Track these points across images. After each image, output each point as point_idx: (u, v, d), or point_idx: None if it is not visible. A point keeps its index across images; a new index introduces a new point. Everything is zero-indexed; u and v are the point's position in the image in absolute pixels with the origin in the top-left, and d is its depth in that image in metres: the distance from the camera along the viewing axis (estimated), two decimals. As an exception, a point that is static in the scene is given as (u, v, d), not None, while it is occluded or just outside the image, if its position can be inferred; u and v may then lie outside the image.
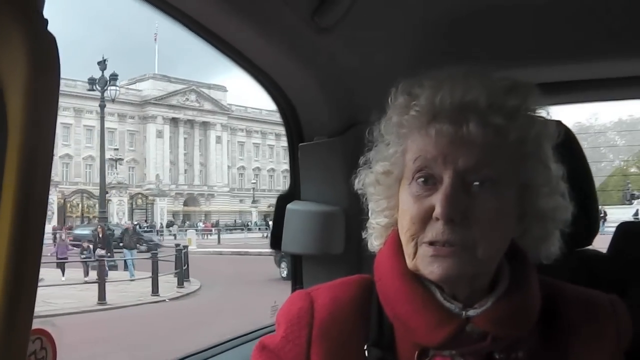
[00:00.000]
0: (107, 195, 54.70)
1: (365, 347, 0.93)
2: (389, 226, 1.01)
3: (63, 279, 17.07)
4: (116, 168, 58.21)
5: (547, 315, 0.95)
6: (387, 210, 1.00)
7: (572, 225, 0.96)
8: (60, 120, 64.43)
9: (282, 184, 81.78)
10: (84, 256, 19.01)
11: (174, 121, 71.20)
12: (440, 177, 0.88)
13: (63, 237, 22.27)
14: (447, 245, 0.86)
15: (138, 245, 19.55)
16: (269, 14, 1.27)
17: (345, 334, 0.95)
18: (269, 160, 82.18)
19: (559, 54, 1.58)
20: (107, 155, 66.90)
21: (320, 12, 1.30)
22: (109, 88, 30.10)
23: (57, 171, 54.42)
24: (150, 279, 16.11)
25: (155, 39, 75.67)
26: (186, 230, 46.80)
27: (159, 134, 71.02)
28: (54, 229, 41.92)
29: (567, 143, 1.01)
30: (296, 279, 1.81)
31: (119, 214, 54.12)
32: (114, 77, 30.93)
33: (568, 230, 0.96)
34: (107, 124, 68.91)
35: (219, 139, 75.65)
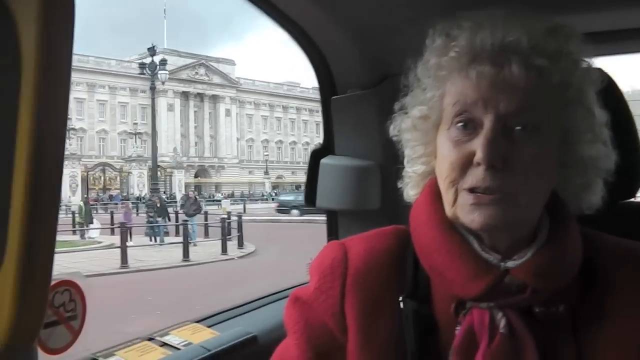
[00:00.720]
0: (128, 167, 57.87)
1: (400, 299, 0.92)
2: (425, 175, 0.98)
3: (131, 243, 20.00)
4: (136, 142, 60.07)
5: (588, 268, 0.92)
6: (424, 157, 0.97)
7: (615, 175, 0.93)
8: (73, 95, 65.91)
9: (290, 155, 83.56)
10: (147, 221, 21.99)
11: (184, 95, 71.95)
12: (480, 122, 0.85)
13: (130, 206, 25.33)
14: (488, 192, 0.83)
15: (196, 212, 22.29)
16: None
17: (380, 284, 0.93)
18: (277, 133, 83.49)
19: (601, 1, 1.46)
20: (124, 128, 69.91)
21: None
22: (158, 72, 32.93)
23: (74, 144, 56.97)
24: (207, 243, 18.92)
25: (165, 15, 77.82)
26: (205, 201, 49.72)
27: (170, 108, 71.79)
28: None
29: (609, 90, 0.97)
30: (331, 235, 1.79)
31: (139, 186, 55.68)
32: (163, 62, 33.93)
33: (611, 180, 0.92)
34: (119, 98, 71.18)
35: (228, 112, 76.90)
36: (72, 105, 65.79)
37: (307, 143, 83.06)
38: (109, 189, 54.72)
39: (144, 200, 39.84)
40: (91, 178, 54.44)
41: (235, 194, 61.78)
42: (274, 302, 1.87)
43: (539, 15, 0.91)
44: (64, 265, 14.21)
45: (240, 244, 18.84)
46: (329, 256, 0.98)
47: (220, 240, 18.03)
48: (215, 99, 75.86)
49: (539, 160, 0.85)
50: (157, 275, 14.36)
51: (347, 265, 0.95)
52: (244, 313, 1.80)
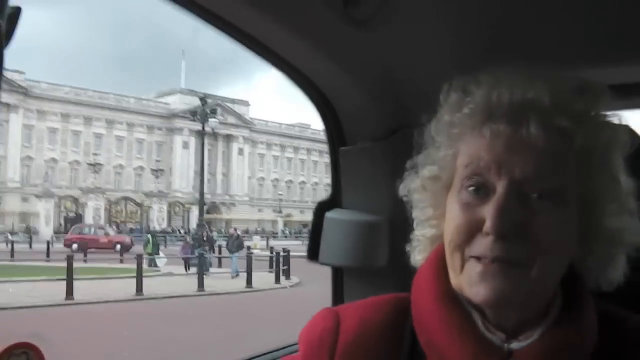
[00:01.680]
0: (149, 202, 60.33)
1: None
2: (434, 239, 0.90)
3: (189, 271, 22.16)
4: (157, 177, 61.56)
5: (604, 350, 0.81)
6: (434, 219, 0.89)
7: None
8: (92, 130, 69.37)
9: (299, 195, 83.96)
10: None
11: (199, 133, 75.82)
12: (493, 187, 0.77)
13: (188, 240, 28.07)
14: (496, 262, 0.75)
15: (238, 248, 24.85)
16: (299, 8, 1.22)
17: None
18: (287, 172, 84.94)
19: (630, 52, 1.35)
20: (139, 164, 72.51)
21: (353, 3, 1.22)
22: (209, 119, 35.97)
23: (89, 177, 59.41)
24: (254, 275, 20.47)
25: (183, 56, 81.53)
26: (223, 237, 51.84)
27: (185, 145, 73.33)
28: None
29: (636, 151, 0.87)
30: (337, 293, 1.69)
31: (158, 220, 57.39)
32: (213, 110, 37.82)
33: (636, 255, 0.84)
34: (136, 135, 73.87)
35: (240, 151, 78.51)
36: (91, 140, 68.82)
37: (316, 183, 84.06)
38: (130, 222, 56.16)
39: (175, 234, 42.25)
40: (113, 210, 55.91)
41: (249, 230, 63.70)
42: None
43: (566, 70, 0.86)
44: (150, 286, 16.66)
45: (288, 276, 21.44)
46: (319, 325, 0.90)
47: (265, 272, 20.86)
48: (229, 138, 77.37)
49: (556, 231, 0.76)
50: (232, 298, 16.19)
51: (338, 338, 0.87)
52: None
